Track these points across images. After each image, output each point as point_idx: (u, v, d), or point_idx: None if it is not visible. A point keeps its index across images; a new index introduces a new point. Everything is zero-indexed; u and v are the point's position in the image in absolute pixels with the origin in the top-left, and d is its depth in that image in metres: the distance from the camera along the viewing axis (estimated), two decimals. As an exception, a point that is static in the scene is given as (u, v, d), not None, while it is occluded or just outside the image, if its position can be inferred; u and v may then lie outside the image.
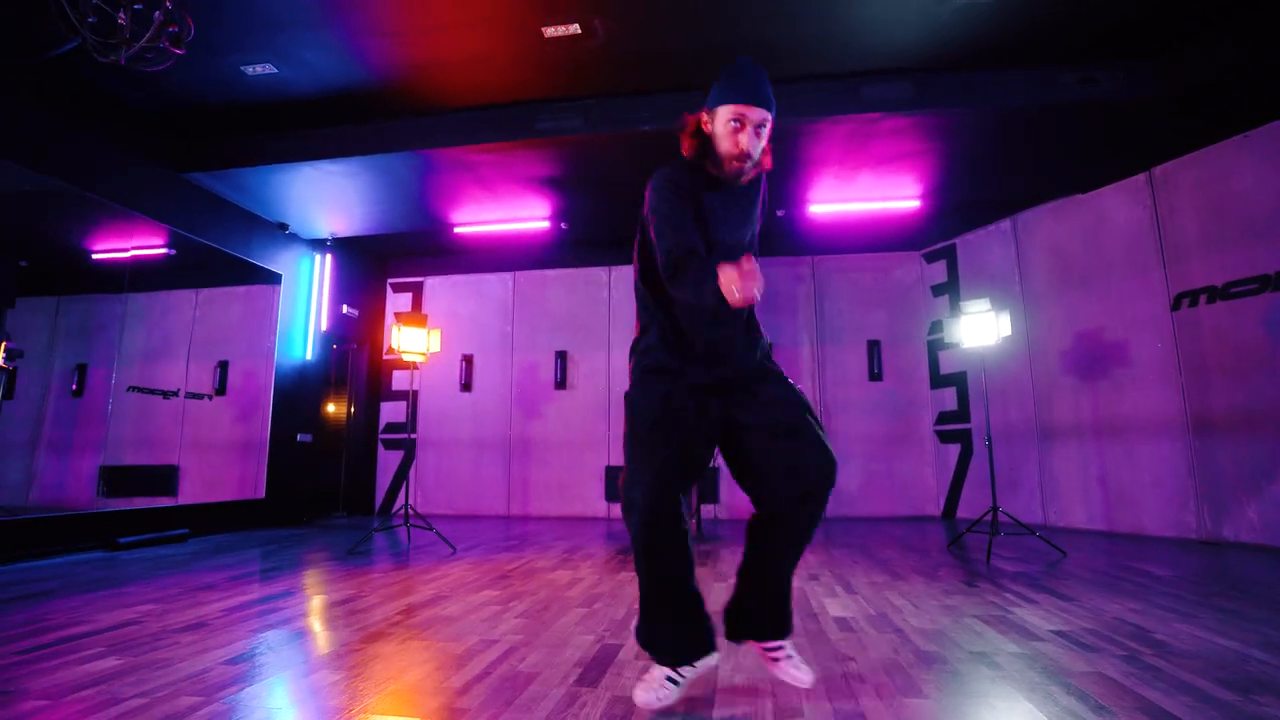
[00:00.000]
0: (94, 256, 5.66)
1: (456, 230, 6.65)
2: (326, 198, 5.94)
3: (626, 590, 3.20)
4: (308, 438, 6.62)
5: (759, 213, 1.90)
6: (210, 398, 5.96)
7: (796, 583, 3.40)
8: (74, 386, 5.32)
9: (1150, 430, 4.93)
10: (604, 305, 7.72)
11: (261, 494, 6.09)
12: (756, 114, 1.65)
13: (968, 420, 6.45)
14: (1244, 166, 4.52)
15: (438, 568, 3.92)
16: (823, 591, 3.16)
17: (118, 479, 5.33)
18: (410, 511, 4.93)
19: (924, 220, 6.59)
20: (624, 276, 7.68)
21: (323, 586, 3.36)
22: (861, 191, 5.81)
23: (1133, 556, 4.06)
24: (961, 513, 6.45)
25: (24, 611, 2.77)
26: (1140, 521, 4.96)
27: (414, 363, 5.12)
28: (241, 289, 6.69)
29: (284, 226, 6.43)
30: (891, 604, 2.88)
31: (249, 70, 4.36)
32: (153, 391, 5.48)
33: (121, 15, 2.99)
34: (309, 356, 6.70)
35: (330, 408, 7.37)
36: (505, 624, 2.58)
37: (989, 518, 4.35)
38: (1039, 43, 4.14)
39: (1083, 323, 5.44)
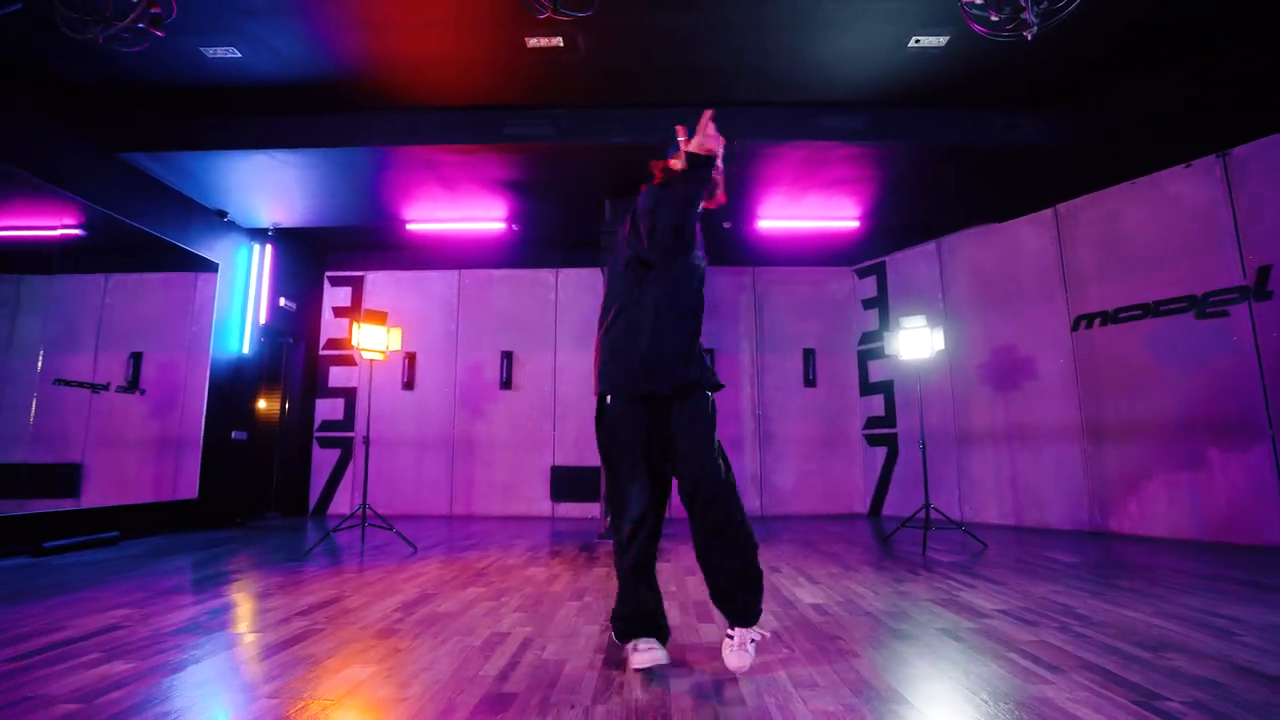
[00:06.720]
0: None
1: (409, 227, 6.54)
2: (273, 187, 5.71)
3: (608, 585, 3.36)
4: (243, 435, 6.32)
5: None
6: (143, 392, 5.58)
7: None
8: (-61, 377, 4.83)
9: (1053, 436, 5.60)
10: (551, 307, 7.80)
11: (193, 494, 5.77)
12: None
13: (894, 425, 7.02)
14: (1130, 210, 5.23)
15: (408, 567, 3.92)
16: (789, 583, 3.44)
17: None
18: (369, 511, 4.86)
19: (858, 238, 7.10)
20: (571, 279, 7.79)
21: (299, 588, 3.31)
22: (807, 210, 6.22)
23: (1042, 546, 4.63)
24: (887, 510, 7.00)
25: (-21, 620, 2.60)
26: (1044, 516, 5.61)
27: (370, 360, 5.05)
28: (158, 276, 6.27)
29: (223, 214, 6.11)
30: (854, 591, 3.20)
31: (210, 52, 4.18)
32: (81, 385, 5.09)
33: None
34: (246, 350, 6.39)
35: (262, 404, 7.04)
36: (508, 618, 2.69)
37: (920, 514, 4.82)
38: (976, 89, 4.64)
39: (998, 339, 6.08)
